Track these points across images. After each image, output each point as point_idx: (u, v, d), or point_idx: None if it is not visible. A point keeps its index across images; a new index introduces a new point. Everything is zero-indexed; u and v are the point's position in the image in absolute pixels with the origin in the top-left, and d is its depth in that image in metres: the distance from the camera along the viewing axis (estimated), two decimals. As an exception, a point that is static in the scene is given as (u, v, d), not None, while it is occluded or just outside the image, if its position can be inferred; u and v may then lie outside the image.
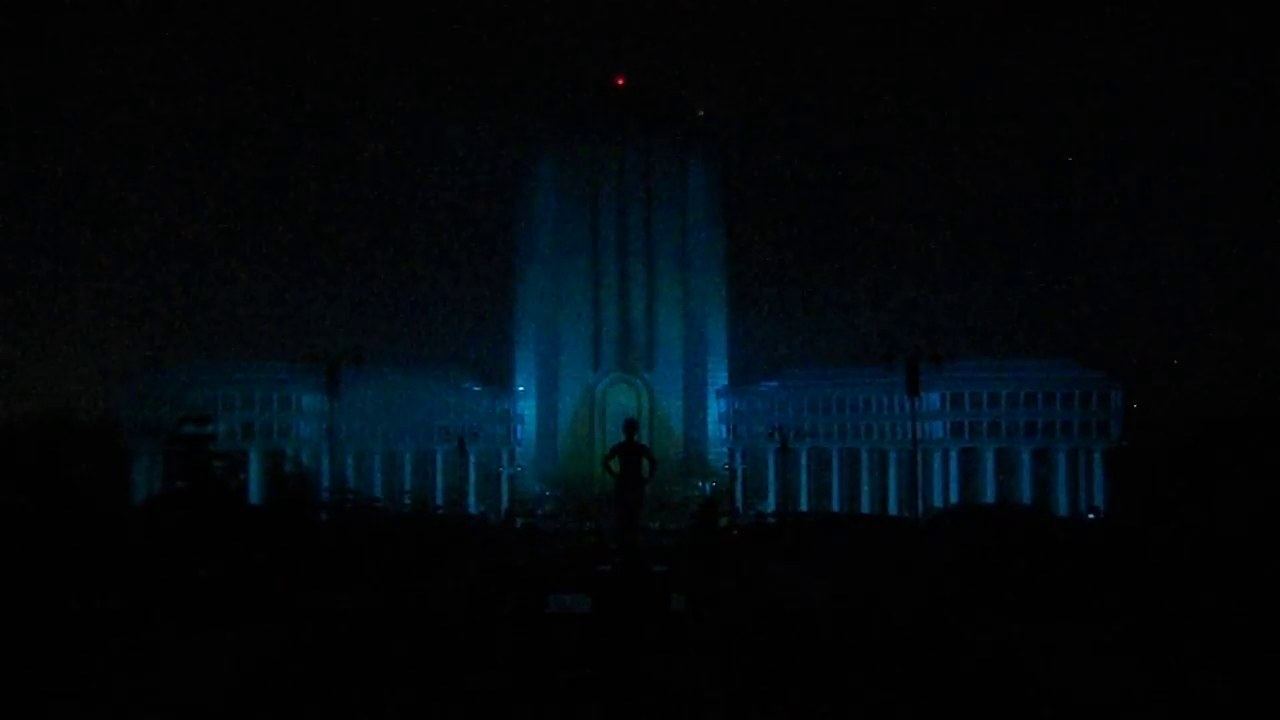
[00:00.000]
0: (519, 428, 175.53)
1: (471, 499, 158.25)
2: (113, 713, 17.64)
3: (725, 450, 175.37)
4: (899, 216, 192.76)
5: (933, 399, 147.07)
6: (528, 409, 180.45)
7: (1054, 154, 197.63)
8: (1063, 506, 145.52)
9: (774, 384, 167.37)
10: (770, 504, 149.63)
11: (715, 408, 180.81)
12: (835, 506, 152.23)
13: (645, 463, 32.76)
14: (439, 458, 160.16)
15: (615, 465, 32.56)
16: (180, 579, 29.47)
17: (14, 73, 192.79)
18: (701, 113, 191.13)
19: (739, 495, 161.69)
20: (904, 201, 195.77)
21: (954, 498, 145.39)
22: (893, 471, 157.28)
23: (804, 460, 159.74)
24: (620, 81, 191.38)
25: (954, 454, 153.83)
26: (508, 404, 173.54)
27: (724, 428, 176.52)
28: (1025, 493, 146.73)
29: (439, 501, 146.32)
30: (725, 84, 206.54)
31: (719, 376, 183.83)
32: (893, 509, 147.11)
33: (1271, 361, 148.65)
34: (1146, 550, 32.42)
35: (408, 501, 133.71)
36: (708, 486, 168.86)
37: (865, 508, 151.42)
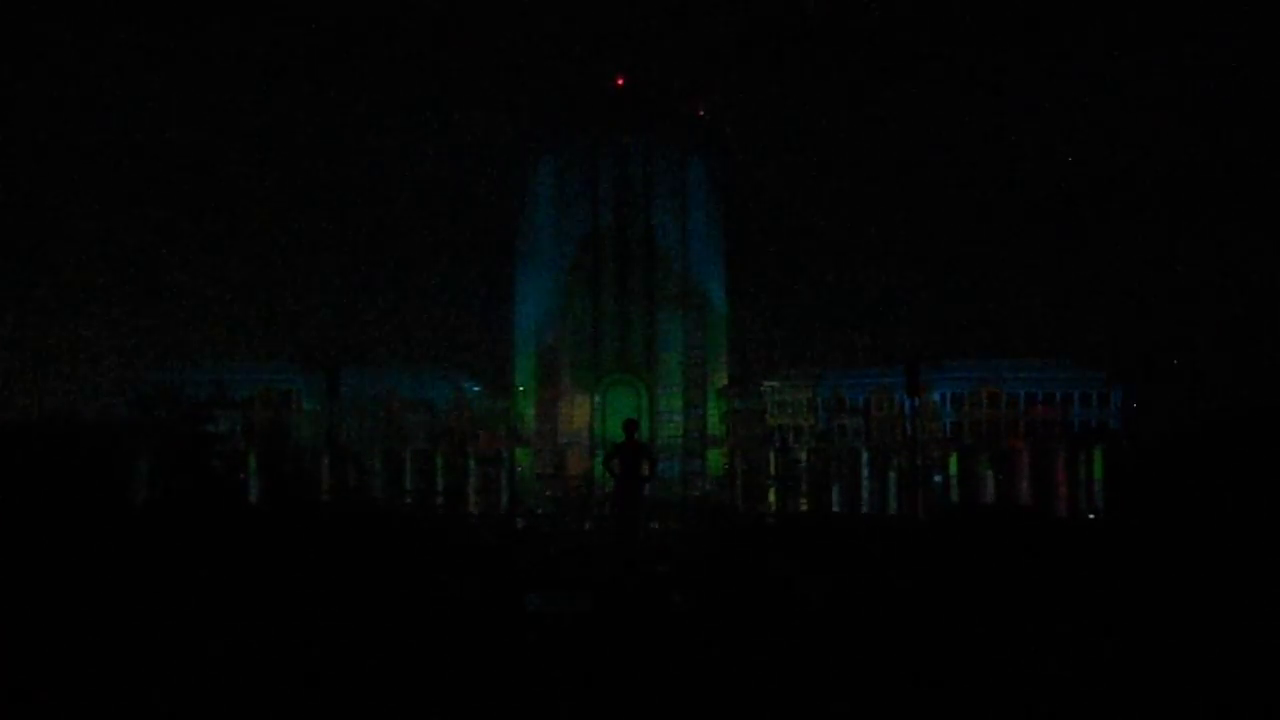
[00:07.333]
0: (519, 428, 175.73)
1: (471, 499, 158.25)
2: (110, 713, 17.67)
3: (725, 450, 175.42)
4: (899, 216, 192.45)
5: (932, 399, 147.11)
6: (528, 409, 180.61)
7: (1054, 154, 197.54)
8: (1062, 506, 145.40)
9: (774, 384, 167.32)
10: (770, 504, 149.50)
11: (715, 408, 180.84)
12: (835, 506, 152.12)
13: (645, 463, 32.78)
14: (439, 458, 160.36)
15: (615, 465, 32.59)
16: (180, 579, 29.50)
17: (14, 71, 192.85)
18: (702, 113, 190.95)
19: (739, 495, 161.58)
20: (904, 201, 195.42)
21: (954, 497, 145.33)
22: (892, 472, 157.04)
23: (804, 460, 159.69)
24: (620, 81, 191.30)
25: (954, 454, 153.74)
26: (508, 404, 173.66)
27: (724, 428, 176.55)
28: (1025, 493, 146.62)
29: (439, 501, 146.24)
30: (725, 84, 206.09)
31: (719, 376, 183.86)
32: (893, 509, 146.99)
33: (1271, 361, 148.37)
34: (1146, 550, 32.48)
35: (408, 501, 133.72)
36: (708, 487, 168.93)
37: (865, 508, 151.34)
